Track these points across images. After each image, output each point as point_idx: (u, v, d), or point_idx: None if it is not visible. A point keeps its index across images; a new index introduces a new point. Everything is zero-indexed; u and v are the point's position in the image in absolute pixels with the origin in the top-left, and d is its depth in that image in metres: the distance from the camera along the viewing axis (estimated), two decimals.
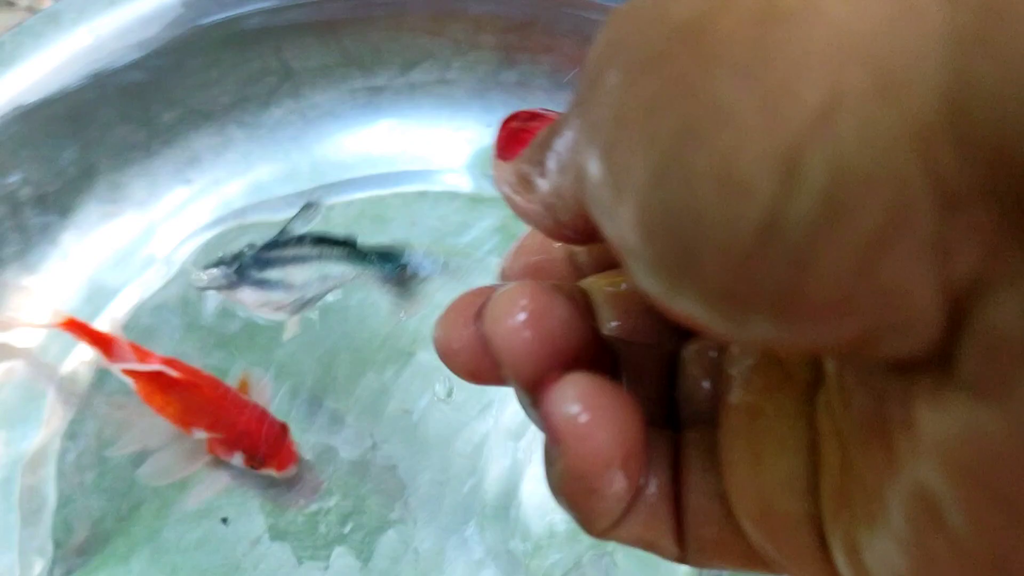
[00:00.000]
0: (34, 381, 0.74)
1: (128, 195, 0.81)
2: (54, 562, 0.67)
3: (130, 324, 0.76)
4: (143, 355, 0.71)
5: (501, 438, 0.71)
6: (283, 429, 0.68)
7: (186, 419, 0.69)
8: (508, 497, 0.69)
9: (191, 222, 0.82)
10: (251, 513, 0.68)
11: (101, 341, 0.72)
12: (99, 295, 0.78)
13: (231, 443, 0.68)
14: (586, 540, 0.65)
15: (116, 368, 0.71)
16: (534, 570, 0.66)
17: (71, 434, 0.72)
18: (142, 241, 0.81)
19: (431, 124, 0.86)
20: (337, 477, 0.69)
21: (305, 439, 0.71)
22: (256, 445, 0.67)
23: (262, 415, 0.69)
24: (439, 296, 0.72)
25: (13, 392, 0.73)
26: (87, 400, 0.73)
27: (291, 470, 0.68)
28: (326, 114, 0.86)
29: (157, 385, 0.70)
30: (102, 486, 0.70)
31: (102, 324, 0.76)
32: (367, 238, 0.67)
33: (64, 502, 0.70)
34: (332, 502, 0.68)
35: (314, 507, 0.68)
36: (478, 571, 0.65)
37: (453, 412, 0.72)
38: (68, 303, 0.77)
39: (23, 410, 0.73)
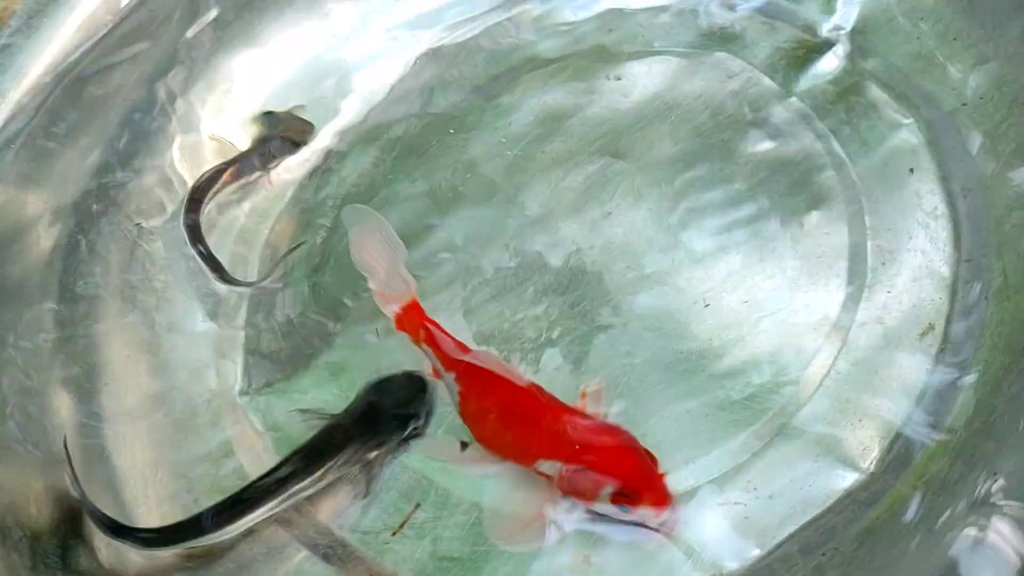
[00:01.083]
0: None
1: None
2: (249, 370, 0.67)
3: None
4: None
5: None
6: (652, 458, 0.53)
7: (529, 447, 0.55)
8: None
9: None
10: (455, 321, 0.65)
11: (425, 330, 0.59)
12: None
13: (599, 476, 0.51)
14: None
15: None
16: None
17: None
18: None
19: None
20: (544, 283, 0.66)
21: (503, 243, 0.68)
22: (630, 477, 0.51)
23: (624, 436, 0.54)
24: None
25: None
26: None
27: (668, 514, 0.52)
28: None
29: (479, 392, 0.57)
30: (295, 294, 0.70)
31: None
32: None
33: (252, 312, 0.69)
34: (540, 309, 0.65)
35: (520, 315, 0.65)
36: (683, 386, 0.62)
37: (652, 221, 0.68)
38: None
39: None
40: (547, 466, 0.52)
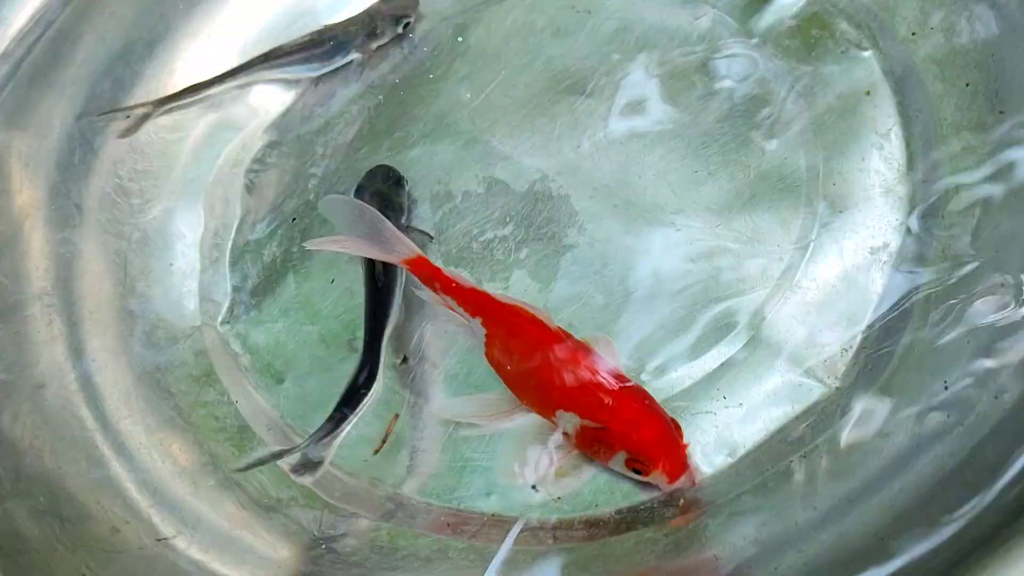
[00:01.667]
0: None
1: None
2: (233, 303, 0.69)
3: None
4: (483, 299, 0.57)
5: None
6: (676, 426, 0.52)
7: (549, 398, 0.53)
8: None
9: None
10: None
11: (441, 280, 0.58)
12: None
13: (614, 440, 0.51)
14: None
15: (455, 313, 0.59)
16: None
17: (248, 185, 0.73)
18: None
19: None
20: (510, 207, 0.68)
21: (472, 173, 0.69)
22: (647, 444, 0.51)
23: (648, 399, 0.53)
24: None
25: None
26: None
27: (683, 481, 0.52)
28: None
29: (504, 335, 0.56)
30: (276, 231, 0.71)
31: None
32: None
33: (239, 252, 0.71)
34: (508, 230, 0.67)
35: (488, 235, 0.67)
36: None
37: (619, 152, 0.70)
38: None
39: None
40: (565, 418, 0.52)
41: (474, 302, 0.56)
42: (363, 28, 0.74)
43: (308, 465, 0.59)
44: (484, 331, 0.56)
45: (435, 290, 0.58)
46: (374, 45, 0.75)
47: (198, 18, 0.78)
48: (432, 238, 0.68)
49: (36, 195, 0.70)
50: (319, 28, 0.75)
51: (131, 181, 0.73)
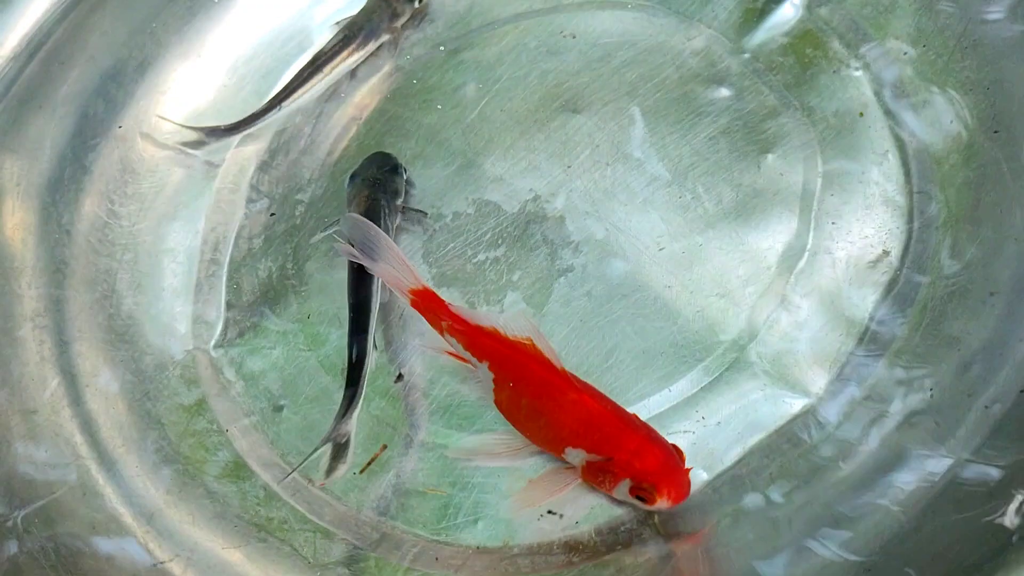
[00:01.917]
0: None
1: None
2: (227, 325, 0.69)
3: None
4: (489, 339, 0.56)
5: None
6: (678, 453, 0.53)
7: (559, 437, 0.55)
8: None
9: None
10: (415, 263, 0.67)
11: (444, 314, 0.58)
12: None
13: (619, 470, 0.52)
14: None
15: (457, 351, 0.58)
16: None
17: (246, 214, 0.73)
18: None
19: None
20: (502, 229, 0.68)
21: (464, 196, 0.69)
22: (649, 472, 0.52)
23: (649, 431, 0.54)
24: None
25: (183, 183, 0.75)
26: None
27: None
28: None
29: (513, 381, 0.55)
30: (269, 251, 0.71)
31: None
32: None
33: (235, 267, 0.71)
34: (500, 251, 0.67)
35: (480, 256, 0.67)
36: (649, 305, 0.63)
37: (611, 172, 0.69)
38: None
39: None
40: (573, 455, 0.54)
41: (481, 344, 0.56)
42: (384, 11, 0.77)
43: (339, 449, 0.61)
44: (492, 375, 0.56)
45: (440, 329, 0.58)
46: (398, 23, 0.78)
47: (190, 37, 0.78)
48: (427, 215, 0.69)
49: (27, 217, 0.70)
50: (343, 24, 0.77)
51: (122, 205, 0.72)
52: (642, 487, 0.52)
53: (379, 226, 0.60)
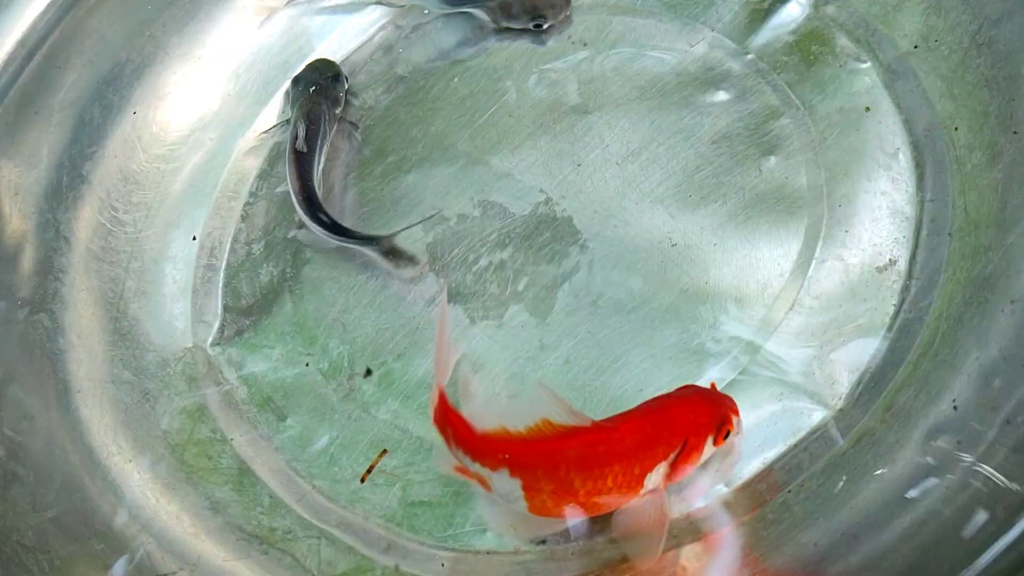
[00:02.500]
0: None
1: None
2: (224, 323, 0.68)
3: None
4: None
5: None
6: (697, 390, 0.54)
7: (633, 479, 0.50)
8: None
9: None
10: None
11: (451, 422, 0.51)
12: None
13: (696, 442, 0.51)
14: None
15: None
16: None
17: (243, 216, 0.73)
18: None
19: None
20: (509, 229, 0.66)
21: (468, 196, 0.68)
22: (714, 419, 0.52)
23: (672, 398, 0.53)
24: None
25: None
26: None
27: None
28: None
29: (552, 476, 0.49)
30: (269, 256, 0.70)
31: None
32: None
33: (233, 272, 0.70)
34: (506, 253, 0.65)
35: (484, 261, 0.66)
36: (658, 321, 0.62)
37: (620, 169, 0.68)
38: None
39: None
40: (653, 478, 0.50)
41: (491, 452, 0.49)
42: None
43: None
44: (519, 482, 0.49)
45: (447, 439, 0.51)
46: (502, 23, 0.73)
47: (188, 40, 0.77)
48: (358, 128, 0.72)
49: (25, 224, 0.69)
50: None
51: (126, 212, 0.72)
52: (722, 431, 0.51)
53: (318, 132, 0.69)
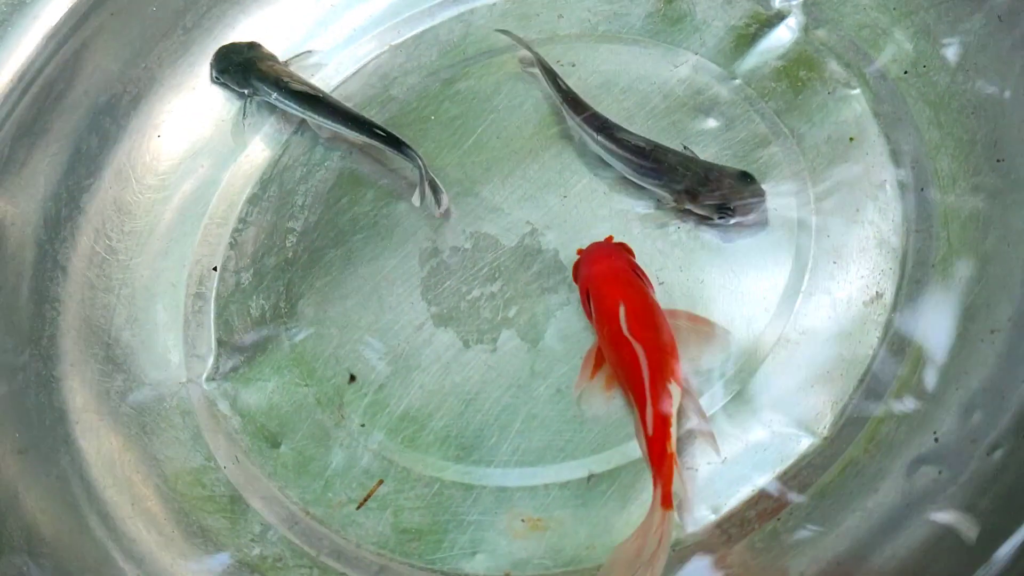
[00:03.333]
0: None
1: None
2: (219, 358, 0.69)
3: None
4: None
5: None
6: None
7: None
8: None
9: None
10: (413, 301, 0.67)
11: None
12: None
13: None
14: None
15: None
16: None
17: (231, 243, 0.73)
18: None
19: None
20: (499, 262, 0.67)
21: (460, 228, 0.69)
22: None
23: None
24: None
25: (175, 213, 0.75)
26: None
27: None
28: None
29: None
30: (259, 287, 0.71)
31: None
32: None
33: (223, 303, 0.71)
34: (496, 287, 0.67)
35: (476, 292, 0.67)
36: None
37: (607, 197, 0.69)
38: None
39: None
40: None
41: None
42: (693, 179, 0.63)
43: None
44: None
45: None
46: (684, 203, 0.64)
47: (183, 71, 0.78)
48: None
49: (21, 254, 0.70)
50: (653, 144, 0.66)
51: (119, 241, 0.72)
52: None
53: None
